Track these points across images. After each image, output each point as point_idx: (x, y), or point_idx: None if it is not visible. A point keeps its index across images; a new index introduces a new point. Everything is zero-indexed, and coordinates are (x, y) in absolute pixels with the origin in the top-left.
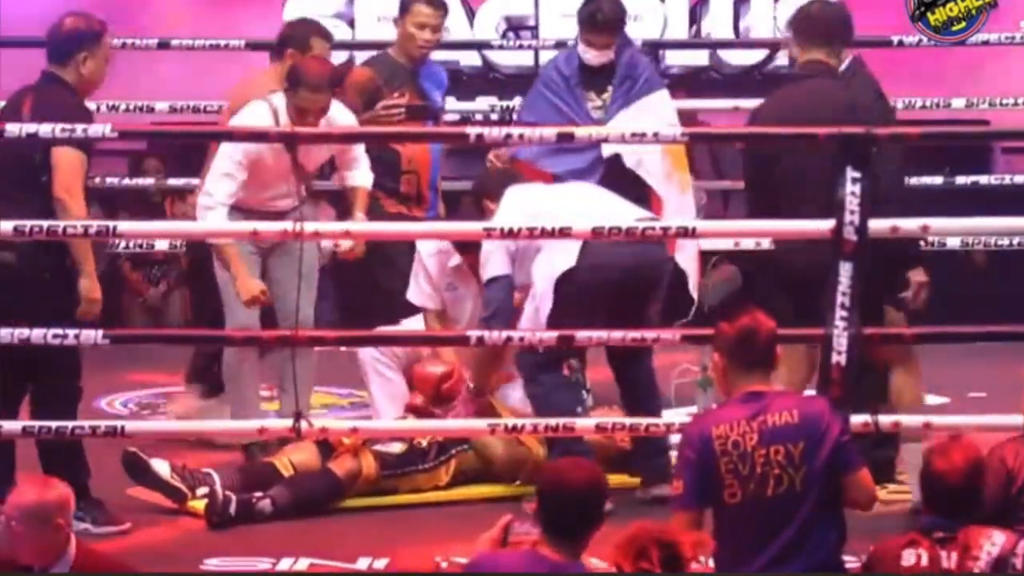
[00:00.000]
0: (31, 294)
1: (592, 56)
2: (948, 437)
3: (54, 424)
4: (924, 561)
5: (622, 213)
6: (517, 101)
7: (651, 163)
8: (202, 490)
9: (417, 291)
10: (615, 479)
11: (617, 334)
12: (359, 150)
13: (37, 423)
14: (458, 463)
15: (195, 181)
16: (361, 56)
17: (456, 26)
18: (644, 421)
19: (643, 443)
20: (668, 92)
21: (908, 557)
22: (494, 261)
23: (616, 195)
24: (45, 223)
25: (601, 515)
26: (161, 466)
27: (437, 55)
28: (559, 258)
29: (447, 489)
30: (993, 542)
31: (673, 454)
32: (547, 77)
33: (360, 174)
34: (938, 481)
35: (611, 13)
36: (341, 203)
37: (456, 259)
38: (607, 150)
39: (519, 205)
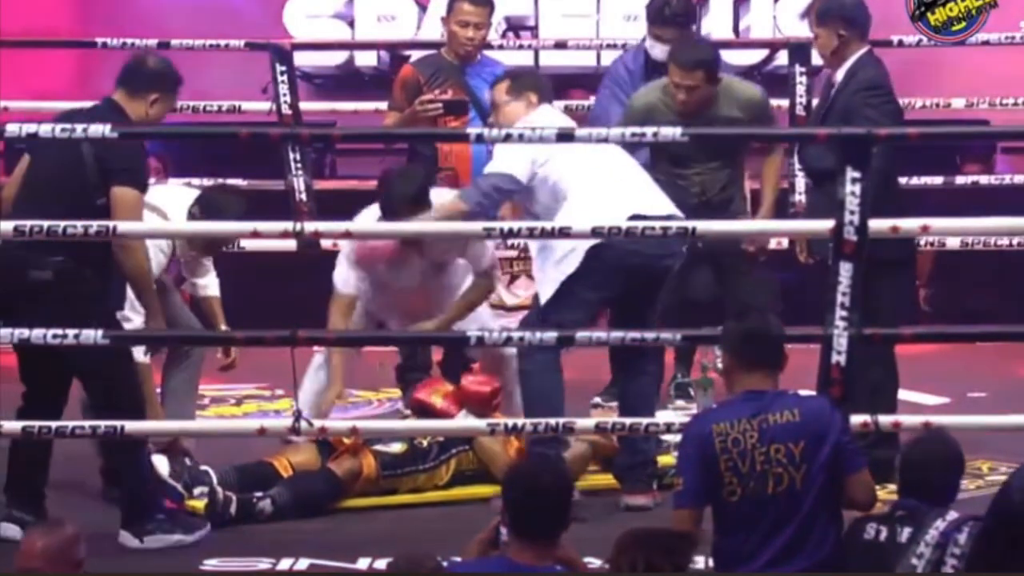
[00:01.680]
0: (64, 313)
1: (660, 51)
2: (925, 428)
3: (54, 424)
4: (883, 536)
5: (632, 194)
6: None
7: None
8: (199, 489)
9: (338, 273)
10: (607, 479)
11: (617, 334)
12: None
13: (37, 423)
14: (458, 463)
15: (195, 181)
16: (361, 56)
17: None
18: (644, 421)
19: (626, 451)
20: None
21: (869, 531)
22: (513, 160)
23: (647, 181)
24: (45, 223)
25: (569, 515)
26: (160, 464)
27: None
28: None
29: (447, 489)
30: (944, 519)
31: (670, 458)
32: (614, 73)
33: (210, 282)
34: (917, 471)
35: (680, 7)
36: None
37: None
38: None
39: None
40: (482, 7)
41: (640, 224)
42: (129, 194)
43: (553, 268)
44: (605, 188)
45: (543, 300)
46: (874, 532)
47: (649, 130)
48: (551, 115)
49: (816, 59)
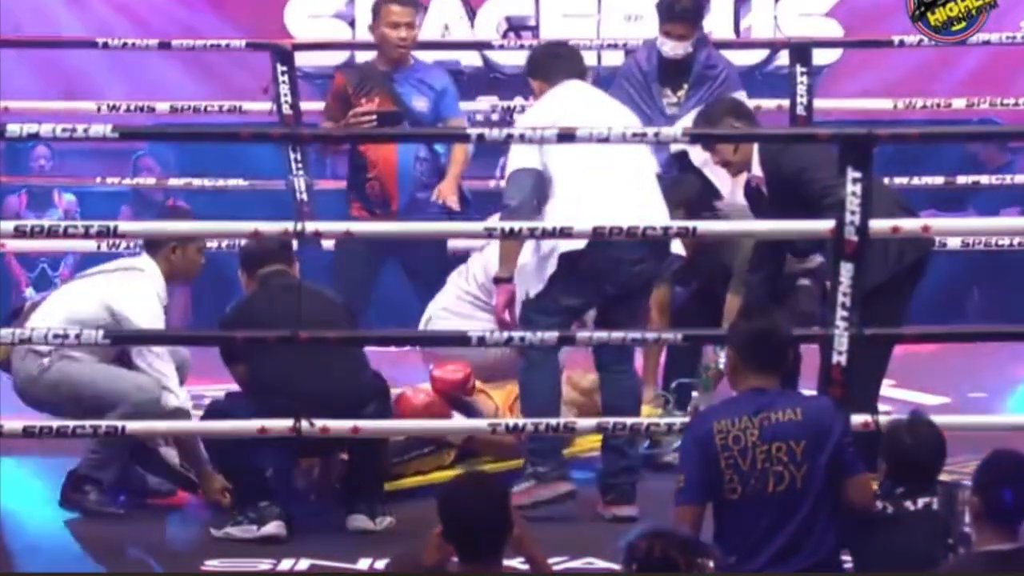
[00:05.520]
0: None
1: (669, 47)
2: (909, 413)
3: (55, 424)
4: (890, 509)
5: (618, 200)
6: (518, 101)
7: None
8: None
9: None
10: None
11: (618, 334)
12: None
13: (38, 423)
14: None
15: (196, 181)
16: (361, 56)
17: (456, 26)
18: (645, 421)
19: (612, 460)
20: (746, 94)
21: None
22: (521, 154)
23: (645, 187)
24: (46, 223)
25: (506, 525)
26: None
27: (439, 55)
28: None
29: (451, 469)
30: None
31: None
32: (627, 71)
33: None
34: (911, 456)
35: (689, 3)
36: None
37: None
38: (674, 148)
39: (559, 103)
40: (409, 7)
41: (641, 225)
42: None
43: (538, 266)
44: (591, 190)
45: (523, 297)
46: (881, 505)
47: (650, 130)
48: (570, 92)
49: (817, 59)
